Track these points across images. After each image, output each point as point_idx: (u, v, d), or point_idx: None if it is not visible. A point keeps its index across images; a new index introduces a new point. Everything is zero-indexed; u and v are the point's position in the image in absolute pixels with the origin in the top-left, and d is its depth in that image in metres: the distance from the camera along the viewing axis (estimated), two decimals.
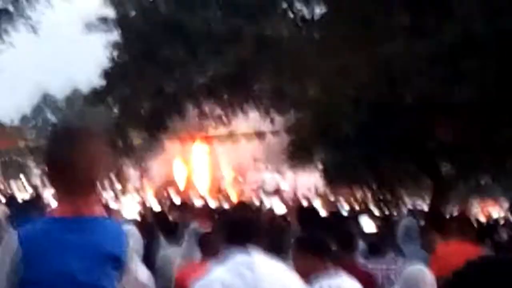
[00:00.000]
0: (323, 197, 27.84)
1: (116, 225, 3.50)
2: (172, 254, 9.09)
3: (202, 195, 29.58)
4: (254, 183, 32.66)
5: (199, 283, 4.75)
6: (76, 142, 3.22)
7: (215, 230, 5.94)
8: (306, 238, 5.76)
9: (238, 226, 5.11)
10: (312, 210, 15.10)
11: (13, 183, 36.08)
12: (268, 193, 29.66)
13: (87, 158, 3.19)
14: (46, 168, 3.31)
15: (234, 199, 29.44)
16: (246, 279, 4.67)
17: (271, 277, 4.57)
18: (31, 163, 41.55)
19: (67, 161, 3.18)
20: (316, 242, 5.56)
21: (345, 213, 17.78)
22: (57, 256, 3.14)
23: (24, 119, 79.04)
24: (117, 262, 3.28)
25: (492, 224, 19.08)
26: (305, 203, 22.91)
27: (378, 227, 11.31)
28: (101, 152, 3.26)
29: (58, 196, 3.29)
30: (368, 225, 10.86)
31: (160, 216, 12.74)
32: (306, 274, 5.22)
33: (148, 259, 8.15)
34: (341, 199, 25.64)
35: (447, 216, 14.44)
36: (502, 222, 22.47)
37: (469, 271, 2.01)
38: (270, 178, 32.17)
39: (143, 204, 13.18)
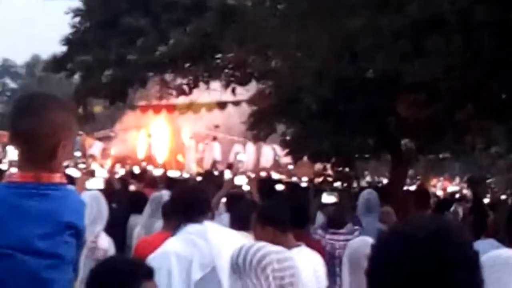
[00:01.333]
0: (284, 169, 27.99)
1: (75, 194, 3.48)
2: (131, 222, 9.11)
3: (162, 164, 29.60)
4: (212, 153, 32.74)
5: (153, 256, 4.77)
6: (38, 109, 3.18)
7: (171, 201, 5.94)
8: (266, 210, 5.76)
9: (191, 198, 5.16)
10: (272, 182, 15.17)
11: None
12: (218, 164, 29.86)
13: (49, 126, 3.15)
14: (10, 135, 3.29)
15: (194, 169, 29.51)
16: (200, 248, 4.72)
17: (225, 244, 4.60)
18: None
19: (28, 128, 3.14)
20: (276, 215, 5.57)
21: (304, 185, 17.88)
22: (14, 222, 3.09)
23: None
24: (75, 230, 3.26)
25: (450, 199, 19.33)
26: (265, 175, 23.05)
27: (337, 199, 11.37)
28: (63, 120, 3.22)
29: (19, 163, 3.24)
30: (327, 198, 10.89)
31: (123, 185, 12.75)
32: None
33: (116, 225, 8.15)
34: (301, 171, 25.77)
35: (405, 190, 14.62)
36: (457, 196, 22.80)
37: (378, 243, 2.06)
38: (217, 149, 32.33)
39: (109, 172, 13.17)
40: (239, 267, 3.52)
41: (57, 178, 3.23)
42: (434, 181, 33.53)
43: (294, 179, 23.43)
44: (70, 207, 3.26)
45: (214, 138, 32.93)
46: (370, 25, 10.96)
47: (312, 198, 12.65)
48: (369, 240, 5.27)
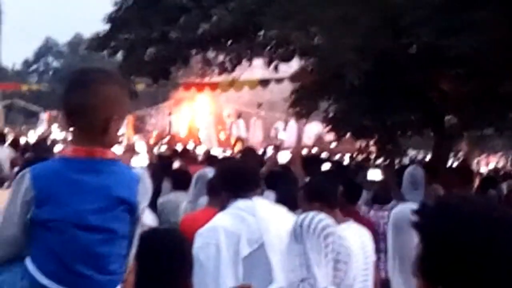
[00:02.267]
0: (326, 146, 27.94)
1: (128, 169, 3.51)
2: (175, 199, 9.14)
3: (204, 142, 29.73)
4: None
5: (202, 230, 4.81)
6: (90, 83, 3.21)
7: (216, 177, 5.97)
8: (313, 186, 5.77)
9: (241, 174, 5.17)
10: (317, 159, 15.16)
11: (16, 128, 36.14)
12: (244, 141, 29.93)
13: (101, 100, 3.18)
14: (63, 111, 3.31)
15: (237, 146, 29.58)
16: (249, 223, 4.73)
17: (273, 221, 4.62)
18: (33, 107, 41.50)
19: (81, 102, 3.18)
20: (323, 190, 5.57)
21: (346, 162, 17.85)
22: (68, 197, 3.15)
23: (26, 63, 79.13)
24: (129, 205, 3.30)
25: (493, 176, 19.16)
26: (306, 152, 23.04)
27: (382, 176, 11.35)
28: (116, 94, 3.25)
29: (73, 138, 3.29)
30: (372, 174, 10.87)
31: (163, 161, 12.83)
32: None
33: (155, 203, 8.24)
34: (343, 148, 25.72)
35: (448, 168, 14.51)
36: (502, 173, 22.61)
37: (427, 209, 2.06)
38: (242, 126, 32.31)
39: (149, 149, 13.25)
40: (302, 229, 3.57)
41: (110, 153, 3.27)
42: (478, 158, 33.26)
43: (337, 156, 23.40)
44: (122, 182, 3.30)
45: (239, 116, 32.94)
46: None
47: (354, 175, 12.61)
48: (413, 206, 5.24)
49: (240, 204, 4.87)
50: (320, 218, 3.58)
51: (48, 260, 3.17)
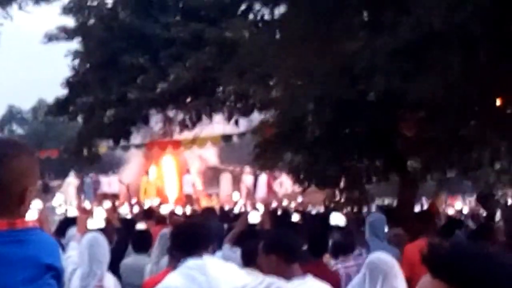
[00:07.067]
0: (292, 197, 27.94)
1: (48, 236, 3.46)
2: (137, 261, 9.02)
3: (170, 201, 29.59)
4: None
5: None
6: (3, 159, 3.15)
7: (170, 237, 5.92)
8: (271, 239, 5.65)
9: (189, 233, 5.14)
10: (283, 212, 15.10)
11: None
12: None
13: (15, 173, 3.12)
14: None
15: (204, 203, 29.48)
16: (200, 282, 4.67)
17: (224, 279, 4.56)
18: None
19: None
20: (280, 244, 5.44)
21: (313, 212, 17.81)
22: None
23: None
24: (55, 272, 3.24)
25: (459, 218, 19.23)
26: (276, 204, 23.01)
27: (347, 224, 11.30)
28: (28, 166, 3.19)
29: None
30: (336, 220, 10.85)
31: (127, 224, 12.70)
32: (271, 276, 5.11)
33: (115, 266, 8.11)
34: (313, 198, 25.69)
35: (414, 212, 14.51)
36: (469, 214, 22.72)
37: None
38: (188, 182, 32.27)
39: (112, 210, 13.16)
40: None
41: (30, 223, 3.21)
42: (445, 201, 33.43)
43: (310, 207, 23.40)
44: (47, 249, 3.24)
45: (187, 170, 32.97)
46: (367, 47, 10.92)
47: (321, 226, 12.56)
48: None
49: (190, 263, 4.81)
50: None
51: None
